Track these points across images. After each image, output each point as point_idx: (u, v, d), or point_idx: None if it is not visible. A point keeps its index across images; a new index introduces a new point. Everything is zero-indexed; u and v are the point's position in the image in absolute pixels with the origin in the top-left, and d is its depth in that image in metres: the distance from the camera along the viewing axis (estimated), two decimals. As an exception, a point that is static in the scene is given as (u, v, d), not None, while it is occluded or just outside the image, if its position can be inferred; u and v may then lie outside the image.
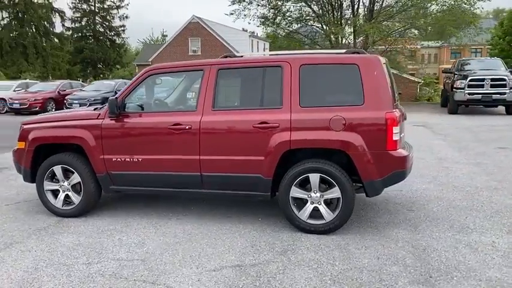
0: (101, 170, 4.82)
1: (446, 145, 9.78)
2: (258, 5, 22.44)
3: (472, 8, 20.98)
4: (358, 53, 4.48)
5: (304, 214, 4.37)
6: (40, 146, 5.02)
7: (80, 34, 52.77)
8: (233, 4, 22.39)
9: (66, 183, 5.00)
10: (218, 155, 4.49)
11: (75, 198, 4.99)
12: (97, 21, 52.97)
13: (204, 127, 4.49)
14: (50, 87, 21.85)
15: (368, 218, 4.84)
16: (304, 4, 22.45)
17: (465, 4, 20.60)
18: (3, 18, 45.29)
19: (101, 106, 5.24)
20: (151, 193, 5.10)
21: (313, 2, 22.48)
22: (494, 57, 23.27)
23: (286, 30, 24.17)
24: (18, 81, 24.62)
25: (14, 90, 22.12)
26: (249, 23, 26.71)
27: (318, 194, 4.33)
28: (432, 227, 4.52)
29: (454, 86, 16.57)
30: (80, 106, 17.88)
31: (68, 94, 20.62)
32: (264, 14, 22.97)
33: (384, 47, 23.91)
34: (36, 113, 15.84)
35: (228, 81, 4.75)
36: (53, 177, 5.03)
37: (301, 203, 4.40)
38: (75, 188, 4.99)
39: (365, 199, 5.48)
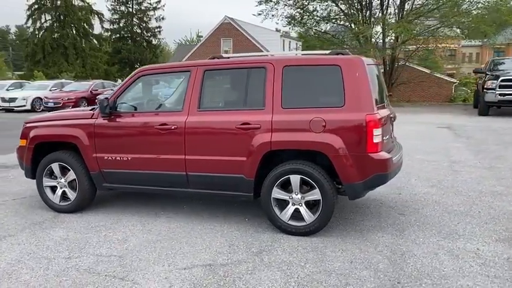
0: (94, 167, 4.98)
1: (465, 148, 9.45)
2: (285, 5, 22.39)
3: (508, 5, 20.14)
4: (342, 54, 4.43)
5: (285, 215, 4.36)
6: (40, 144, 5.24)
7: (118, 35, 54.28)
8: (260, 4, 22.47)
9: (63, 180, 5.20)
10: (202, 155, 4.55)
11: (71, 195, 5.18)
12: (134, 22, 54.33)
13: (189, 127, 4.56)
14: (83, 87, 22.67)
15: (355, 221, 4.77)
16: (331, 3, 22.21)
17: (501, 1, 19.81)
18: (46, 21, 47.37)
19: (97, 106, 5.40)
20: (141, 191, 5.22)
21: (341, 1, 22.20)
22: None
23: (313, 30, 23.97)
24: (54, 81, 25.63)
25: (50, 90, 23.05)
26: (277, 23, 26.66)
27: (299, 196, 4.31)
28: (418, 232, 4.41)
29: (485, 86, 15.94)
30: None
31: (100, 94, 21.30)
32: (290, 13, 22.91)
33: (414, 46, 23.33)
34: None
35: (214, 82, 4.80)
36: (51, 174, 5.24)
37: (283, 204, 4.40)
38: (72, 184, 5.18)
39: (357, 201, 5.41)
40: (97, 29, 50.99)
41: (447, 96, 27.53)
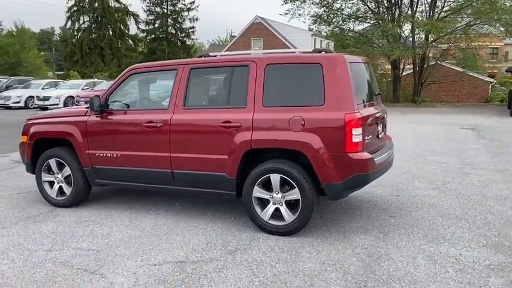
0: (87, 164, 5.11)
1: (483, 150, 9.09)
2: (312, 3, 22.18)
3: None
4: (325, 52, 4.35)
5: (266, 214, 4.33)
6: (39, 140, 5.42)
7: (153, 36, 55.39)
8: (285, 3, 22.36)
9: (60, 176, 5.36)
10: (187, 153, 4.58)
11: (67, 190, 5.33)
12: (169, 23, 55.27)
13: (174, 125, 4.60)
14: (113, 85, 23.25)
15: (342, 222, 4.67)
16: (358, 1, 21.85)
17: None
18: (84, 22, 49.02)
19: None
20: (132, 188, 5.30)
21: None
22: None
23: (339, 29, 23.65)
24: (86, 80, 26.46)
25: (82, 89, 23.80)
26: (304, 22, 26.27)
27: (280, 195, 4.27)
28: (403, 235, 4.28)
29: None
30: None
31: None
32: (316, 12, 22.69)
33: (446, 45, 22.61)
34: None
35: (200, 81, 4.82)
36: (49, 170, 5.41)
37: (265, 203, 4.36)
38: (68, 180, 5.33)
39: (351, 203, 5.31)
40: (133, 29, 52.34)
41: (483, 97, 26.55)
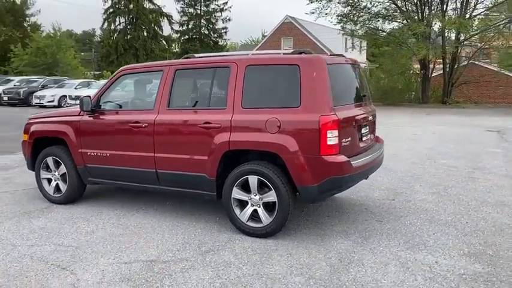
0: (79, 162, 5.25)
1: (501, 154, 8.72)
2: (338, 2, 21.89)
3: None
4: (305, 53, 4.29)
5: (244, 216, 4.32)
6: (38, 139, 5.62)
7: (186, 37, 56.24)
8: (311, 3, 22.18)
9: (56, 173, 5.54)
10: (170, 153, 4.63)
11: (63, 187, 5.50)
12: (202, 24, 55.99)
13: (158, 126, 4.66)
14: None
15: (325, 225, 4.60)
16: (386, 0, 21.38)
17: None
18: (119, 23, 50.39)
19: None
20: (122, 187, 5.41)
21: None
22: None
23: (365, 28, 23.23)
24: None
25: (112, 88, 24.41)
26: (330, 21, 25.90)
27: (258, 197, 4.25)
28: (383, 241, 4.16)
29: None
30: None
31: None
32: (342, 11, 22.38)
33: (479, 44, 21.80)
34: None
35: (184, 82, 4.85)
36: (47, 167, 5.60)
37: (244, 205, 4.35)
38: (63, 177, 5.50)
39: (341, 205, 5.23)
40: (166, 30, 53.30)
41: (518, 97, 25.42)
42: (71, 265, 3.74)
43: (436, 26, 21.08)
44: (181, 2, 54.21)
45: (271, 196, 4.15)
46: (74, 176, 5.39)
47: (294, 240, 4.21)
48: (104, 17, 50.30)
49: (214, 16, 56.06)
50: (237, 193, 4.33)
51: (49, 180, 5.63)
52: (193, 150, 4.49)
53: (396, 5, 21.90)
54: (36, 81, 27.93)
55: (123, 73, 5.12)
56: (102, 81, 28.30)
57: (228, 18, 55.94)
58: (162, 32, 52.82)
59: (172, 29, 54.39)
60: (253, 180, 4.22)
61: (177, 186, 4.73)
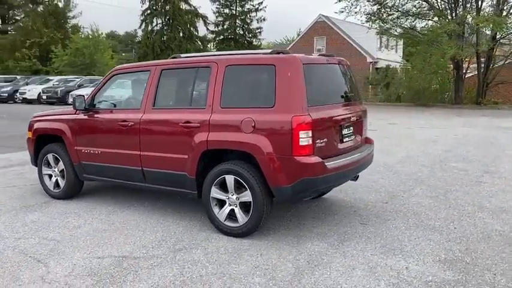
0: (75, 159, 5.43)
1: (520, 157, 8.32)
2: (368, 0, 21.50)
3: None
4: (283, 53, 4.25)
5: (221, 215, 4.34)
6: (40, 136, 5.86)
7: (221, 37, 56.71)
8: (340, 1, 21.87)
9: (56, 169, 5.75)
10: (154, 152, 4.72)
11: (61, 183, 5.71)
12: (237, 24, 56.30)
13: (143, 124, 4.76)
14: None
15: (306, 227, 4.55)
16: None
17: None
18: (156, 24, 51.44)
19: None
20: (113, 183, 5.54)
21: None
22: None
23: (396, 26, 22.67)
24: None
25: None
26: (360, 20, 25.35)
27: (235, 197, 4.26)
28: (360, 244, 4.08)
29: None
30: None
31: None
32: (371, 9, 21.95)
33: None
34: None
35: (169, 81, 4.92)
36: (48, 164, 5.82)
37: (223, 204, 4.37)
38: (62, 173, 5.71)
39: (328, 207, 5.16)
40: (201, 31, 53.92)
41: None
42: (47, 258, 3.88)
43: (470, 23, 20.31)
44: (217, 3, 54.70)
45: (247, 196, 4.15)
46: (70, 173, 5.57)
47: (269, 241, 4.19)
48: (142, 18, 51.46)
49: (249, 16, 56.16)
50: (215, 192, 4.35)
51: (50, 176, 5.85)
52: (175, 149, 4.55)
53: (428, 2, 21.26)
54: (73, 80, 29.02)
55: (115, 73, 5.26)
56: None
57: (262, 18, 55.91)
58: (198, 33, 53.46)
59: (207, 29, 55.01)
60: (230, 179, 4.24)
61: (162, 185, 4.80)
